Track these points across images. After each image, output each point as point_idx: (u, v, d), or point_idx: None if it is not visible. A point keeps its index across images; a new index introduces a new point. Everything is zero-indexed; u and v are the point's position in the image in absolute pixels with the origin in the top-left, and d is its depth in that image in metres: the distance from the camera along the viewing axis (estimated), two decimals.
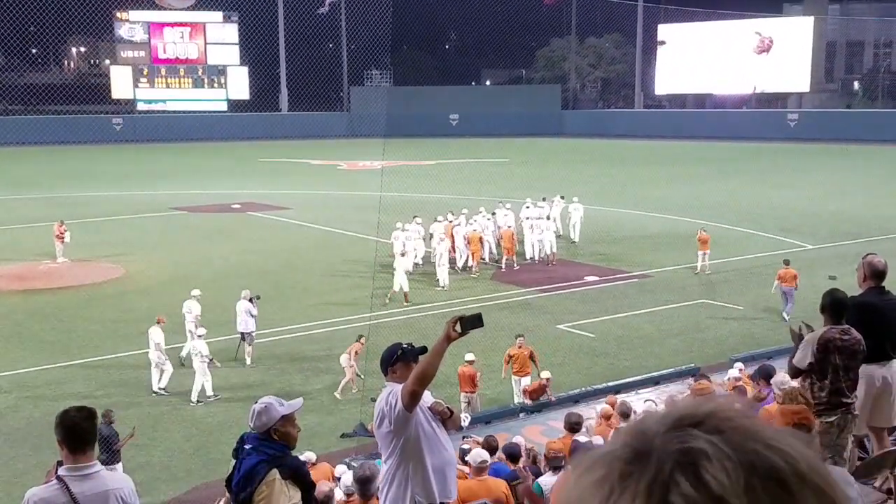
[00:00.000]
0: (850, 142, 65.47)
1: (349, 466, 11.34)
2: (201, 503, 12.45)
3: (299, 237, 33.16)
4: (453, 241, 26.68)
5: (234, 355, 18.90)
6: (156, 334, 17.40)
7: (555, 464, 9.02)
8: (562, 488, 0.99)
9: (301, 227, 35.30)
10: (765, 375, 10.67)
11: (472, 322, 5.64)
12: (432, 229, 26.59)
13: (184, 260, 28.88)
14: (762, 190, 43.52)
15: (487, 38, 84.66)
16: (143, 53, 79.25)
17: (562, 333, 20.86)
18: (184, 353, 18.34)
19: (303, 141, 73.98)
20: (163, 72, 79.62)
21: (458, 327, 5.61)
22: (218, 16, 79.85)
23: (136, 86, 79.25)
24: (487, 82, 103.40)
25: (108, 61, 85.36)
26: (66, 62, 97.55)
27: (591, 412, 13.03)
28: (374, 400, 7.44)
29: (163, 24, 79.29)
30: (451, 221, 27.76)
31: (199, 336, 17.45)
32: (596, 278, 26.18)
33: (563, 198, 32.48)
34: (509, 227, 27.88)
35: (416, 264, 25.99)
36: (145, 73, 79.26)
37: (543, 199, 31.71)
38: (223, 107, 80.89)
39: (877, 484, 6.73)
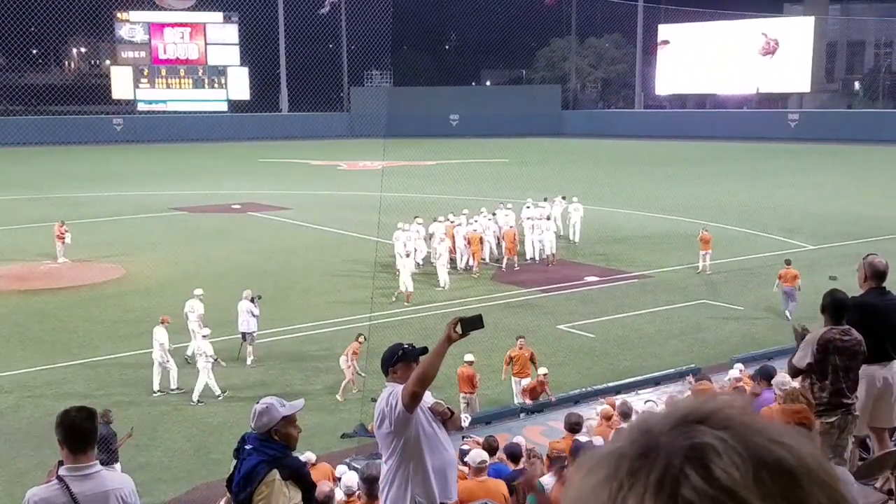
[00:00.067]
0: (850, 142, 65.52)
1: (349, 467, 11.34)
2: (202, 503, 12.45)
3: (299, 237, 33.16)
4: (454, 242, 26.69)
5: (236, 355, 18.90)
6: (160, 334, 17.41)
7: (558, 464, 9.01)
8: (567, 487, 0.99)
9: (301, 228, 35.30)
10: (765, 376, 10.66)
11: (472, 323, 5.65)
12: (432, 229, 26.61)
13: (184, 260, 28.88)
14: (763, 190, 43.52)
15: (487, 38, 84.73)
16: (143, 54, 79.30)
17: (562, 334, 20.86)
18: (189, 353, 18.35)
19: (303, 141, 74.02)
20: (163, 72, 79.67)
21: (458, 328, 5.61)
22: (218, 16, 79.90)
23: (136, 86, 79.31)
24: (487, 83, 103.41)
25: (108, 62, 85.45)
26: (66, 63, 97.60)
27: (591, 412, 13.03)
28: (374, 400, 7.44)
29: (163, 25, 79.33)
30: (451, 222, 27.76)
31: (204, 336, 17.47)
32: (596, 279, 26.18)
33: (564, 198, 32.49)
34: (511, 227, 27.89)
35: (417, 264, 25.99)
36: (146, 73, 79.31)
37: (545, 199, 31.74)
38: (223, 107, 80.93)
39: (877, 484, 6.72)
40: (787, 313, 21.06)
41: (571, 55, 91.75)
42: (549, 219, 29.30)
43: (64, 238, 28.61)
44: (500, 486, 8.58)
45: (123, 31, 79.02)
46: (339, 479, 10.22)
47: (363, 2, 65.08)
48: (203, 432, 15.45)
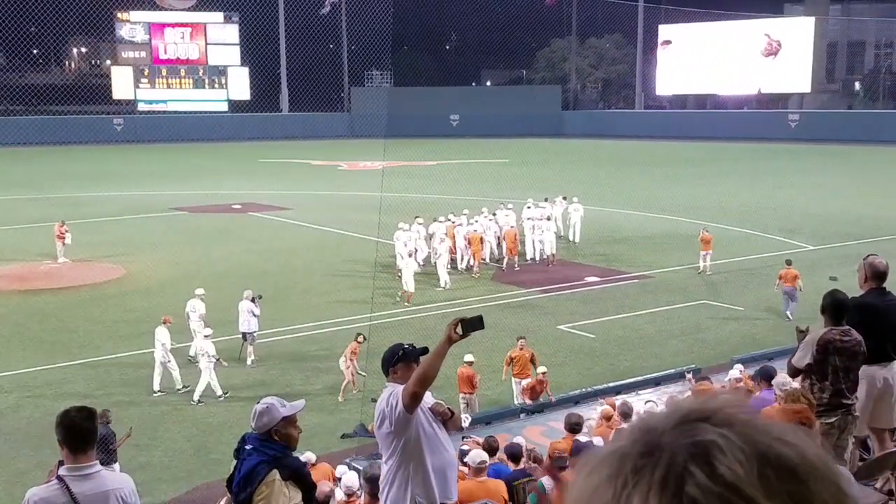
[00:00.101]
0: (850, 142, 65.53)
1: (349, 467, 11.34)
2: (202, 503, 12.45)
3: (300, 237, 33.16)
4: (454, 242, 26.69)
5: (237, 355, 18.91)
6: (162, 334, 17.41)
7: (559, 464, 9.01)
8: (569, 487, 0.99)
9: (302, 228, 35.31)
10: (765, 376, 10.64)
11: (473, 324, 5.66)
12: (433, 229, 26.60)
13: (184, 260, 28.88)
14: (763, 190, 43.52)
15: (488, 38, 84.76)
16: (143, 54, 79.30)
17: (562, 334, 20.86)
18: (192, 354, 18.35)
19: (303, 141, 74.03)
20: (163, 72, 79.66)
21: (459, 329, 5.62)
22: (219, 16, 79.90)
23: (136, 86, 79.31)
24: (488, 83, 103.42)
25: (108, 62, 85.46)
26: (67, 63, 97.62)
27: (591, 413, 13.03)
28: (374, 400, 7.44)
29: (163, 25, 79.34)
30: (452, 222, 27.76)
31: (206, 336, 17.48)
32: (597, 279, 26.18)
33: (565, 198, 32.49)
34: (512, 227, 27.89)
35: (418, 264, 25.97)
36: (146, 73, 79.31)
37: (546, 200, 31.74)
38: (224, 107, 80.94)
39: (878, 485, 6.72)
40: (788, 314, 21.07)
41: (572, 55, 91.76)
42: (549, 219, 29.30)
43: (64, 238, 28.61)
44: (500, 486, 8.58)
45: (124, 31, 79.03)
46: (339, 479, 10.22)
47: (364, 2, 65.15)
48: (203, 432, 15.45)
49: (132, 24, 78.96)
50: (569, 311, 22.83)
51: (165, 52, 79.58)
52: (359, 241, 30.49)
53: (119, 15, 77.78)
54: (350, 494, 9.45)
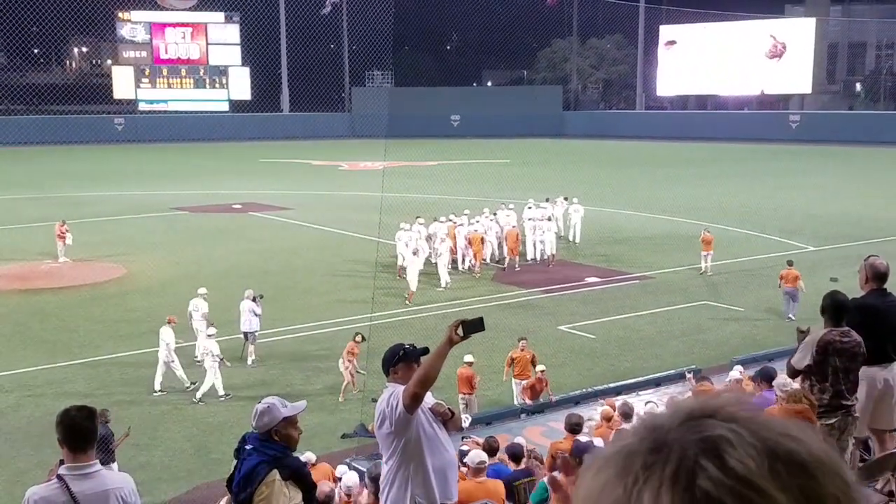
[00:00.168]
0: (851, 143, 65.51)
1: (350, 467, 11.34)
2: (202, 503, 12.45)
3: (300, 237, 33.16)
4: (455, 242, 26.69)
5: (239, 355, 18.91)
6: (166, 334, 17.41)
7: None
8: (577, 487, 0.99)
9: (302, 228, 35.31)
10: (766, 377, 10.64)
11: (473, 326, 5.67)
12: (433, 229, 26.60)
13: (185, 260, 28.89)
14: (764, 191, 43.50)
15: (489, 38, 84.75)
16: (144, 54, 79.32)
17: (563, 334, 20.86)
18: (198, 353, 18.35)
19: (304, 141, 74.04)
20: (164, 72, 79.69)
21: (459, 331, 5.62)
22: (220, 16, 79.93)
23: (137, 86, 79.34)
24: (489, 83, 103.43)
25: (109, 61, 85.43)
26: (67, 62, 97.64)
27: (591, 413, 13.03)
28: (374, 400, 7.44)
29: (164, 25, 79.36)
30: (453, 222, 27.76)
31: (209, 335, 17.48)
32: (597, 279, 26.17)
33: (566, 199, 32.49)
34: (513, 226, 27.89)
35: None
36: (147, 73, 79.33)
37: (546, 200, 31.73)
38: (225, 107, 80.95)
39: (878, 486, 6.72)
40: (791, 315, 21.04)
41: (573, 56, 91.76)
42: (550, 219, 29.30)
43: (65, 238, 28.61)
44: (500, 486, 8.57)
45: (125, 31, 79.06)
46: (340, 479, 10.22)
47: (364, 2, 65.12)
48: (203, 432, 15.45)
49: (133, 24, 78.98)
50: (569, 311, 22.83)
51: (166, 52, 79.61)
52: (359, 241, 30.49)
53: (120, 15, 77.81)
54: (350, 495, 9.45)
